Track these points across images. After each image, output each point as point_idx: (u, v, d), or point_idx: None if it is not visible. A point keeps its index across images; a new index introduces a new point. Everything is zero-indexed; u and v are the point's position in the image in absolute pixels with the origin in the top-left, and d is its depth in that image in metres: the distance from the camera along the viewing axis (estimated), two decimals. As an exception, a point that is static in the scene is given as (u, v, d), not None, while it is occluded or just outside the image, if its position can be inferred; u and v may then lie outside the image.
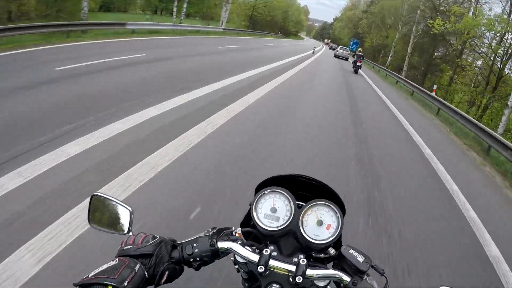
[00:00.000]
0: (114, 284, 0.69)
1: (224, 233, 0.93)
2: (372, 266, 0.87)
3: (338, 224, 0.90)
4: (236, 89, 8.53)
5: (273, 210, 0.91)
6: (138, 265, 0.76)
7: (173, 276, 0.85)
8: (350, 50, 41.70)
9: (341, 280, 0.84)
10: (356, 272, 0.85)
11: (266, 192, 0.93)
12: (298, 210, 0.91)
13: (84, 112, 4.99)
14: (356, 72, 21.08)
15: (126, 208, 0.91)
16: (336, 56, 35.47)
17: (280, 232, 0.89)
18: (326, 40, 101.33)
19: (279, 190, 0.92)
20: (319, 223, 0.89)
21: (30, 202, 2.77)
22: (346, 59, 34.66)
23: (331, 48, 58.26)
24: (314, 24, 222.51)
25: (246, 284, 1.30)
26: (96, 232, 0.97)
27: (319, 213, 0.90)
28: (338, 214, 0.90)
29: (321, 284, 0.87)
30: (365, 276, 0.85)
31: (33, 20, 14.41)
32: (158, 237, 0.86)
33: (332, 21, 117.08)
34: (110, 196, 0.93)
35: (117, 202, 0.92)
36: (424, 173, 5.67)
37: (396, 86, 20.36)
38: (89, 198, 0.94)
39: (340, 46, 42.51)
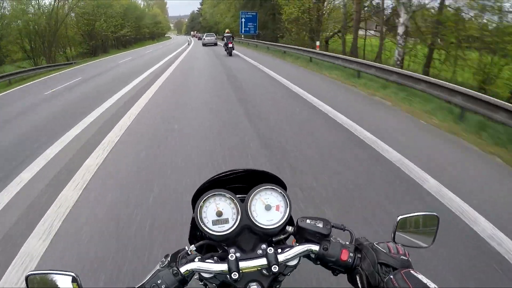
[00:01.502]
0: None
1: (179, 256, 0.89)
2: (333, 226, 0.91)
3: (285, 202, 0.91)
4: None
5: (219, 213, 0.89)
6: None
7: None
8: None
9: (312, 251, 0.86)
10: (321, 238, 0.88)
11: (205, 198, 0.90)
12: (243, 204, 0.90)
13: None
14: (230, 54, 21.09)
15: (68, 275, 0.82)
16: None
17: (234, 232, 0.88)
18: (192, 32, 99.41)
19: (217, 192, 0.91)
20: (268, 208, 0.90)
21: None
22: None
23: (199, 39, 54.03)
24: (183, 19, 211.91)
25: None
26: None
27: (264, 199, 0.91)
28: (282, 192, 0.92)
29: (293, 263, 0.88)
30: (330, 238, 0.89)
31: None
32: None
33: (199, 8, 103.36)
34: (46, 270, 0.83)
35: (56, 273, 0.83)
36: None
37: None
38: (24, 282, 0.83)
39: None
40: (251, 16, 34.22)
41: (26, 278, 0.83)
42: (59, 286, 0.83)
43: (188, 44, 32.46)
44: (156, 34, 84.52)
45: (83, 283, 0.80)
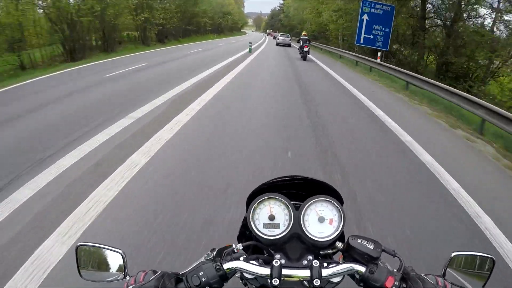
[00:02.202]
0: None
1: (225, 252, 0.89)
2: (383, 250, 0.86)
3: (339, 217, 0.88)
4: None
5: (271, 217, 0.87)
6: None
7: None
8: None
9: (357, 272, 0.83)
10: (369, 260, 0.84)
11: (259, 201, 0.89)
12: (297, 212, 0.88)
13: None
14: (304, 58, 19.41)
15: (117, 251, 0.85)
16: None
17: (283, 238, 0.86)
18: (268, 30, 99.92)
19: (273, 196, 0.89)
20: (321, 220, 0.87)
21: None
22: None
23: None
24: (263, 16, 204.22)
25: None
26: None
27: (318, 210, 0.88)
28: (338, 207, 0.88)
29: (336, 280, 0.85)
30: (379, 262, 0.84)
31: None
32: (160, 271, 0.81)
33: (281, 4, 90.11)
34: (97, 243, 0.86)
35: (105, 248, 0.86)
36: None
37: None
38: (74, 250, 0.87)
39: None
40: (381, 12, 18.02)
41: (76, 248, 0.86)
42: (107, 260, 0.86)
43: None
44: (225, 27, 71.17)
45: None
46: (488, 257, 0.88)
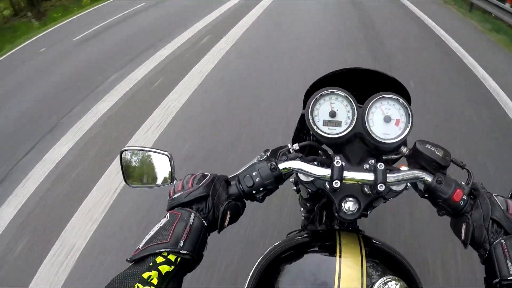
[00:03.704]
0: (169, 249, 0.59)
1: (280, 153, 0.82)
2: (452, 161, 0.76)
3: (407, 117, 0.77)
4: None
5: (332, 114, 0.78)
6: (192, 216, 0.65)
7: (237, 214, 0.75)
8: None
9: (423, 180, 0.74)
10: (437, 168, 0.75)
11: (320, 94, 0.79)
12: (360, 109, 0.78)
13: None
14: None
15: (163, 154, 0.79)
16: None
17: (345, 138, 0.77)
18: None
19: (334, 90, 0.78)
20: (387, 120, 0.77)
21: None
22: None
23: None
24: None
25: (308, 204, 1.23)
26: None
27: (384, 109, 0.77)
28: (407, 106, 0.77)
29: (399, 188, 0.77)
30: (446, 172, 0.75)
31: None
32: (209, 174, 0.74)
33: None
34: (141, 146, 0.82)
35: (150, 151, 0.81)
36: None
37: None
38: (118, 156, 0.82)
39: None
40: None
41: (121, 154, 0.81)
42: (152, 163, 0.81)
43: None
44: None
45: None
46: None
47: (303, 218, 1.42)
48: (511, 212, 0.66)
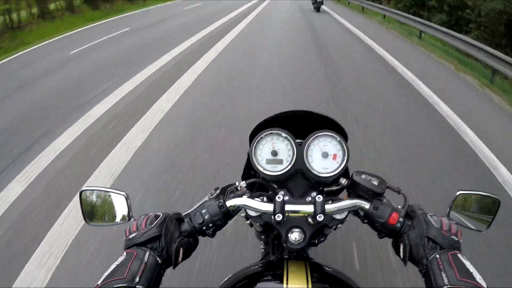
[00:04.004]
0: (126, 285, 0.64)
1: (228, 190, 0.88)
2: (388, 187, 0.85)
3: (343, 152, 0.86)
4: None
5: (274, 153, 0.85)
6: (147, 254, 0.70)
7: (190, 250, 0.80)
8: None
9: (361, 208, 0.82)
10: (373, 196, 0.83)
11: (262, 136, 0.86)
12: (300, 147, 0.86)
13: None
14: (318, 10, 16.60)
15: (120, 194, 0.85)
16: None
17: (286, 174, 0.84)
18: None
19: (275, 131, 0.86)
20: (325, 155, 0.85)
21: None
22: None
23: None
24: None
25: (262, 236, 1.29)
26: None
27: (321, 145, 0.85)
28: (342, 142, 0.86)
29: (341, 217, 0.84)
30: (383, 198, 0.83)
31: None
32: (161, 214, 0.80)
33: None
34: (99, 187, 0.86)
35: (108, 191, 0.86)
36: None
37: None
38: (78, 195, 0.87)
39: None
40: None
41: (80, 193, 0.86)
42: (110, 203, 0.86)
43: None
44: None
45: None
46: (494, 197, 0.86)
47: (262, 250, 1.47)
48: (444, 229, 0.74)
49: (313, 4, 17.31)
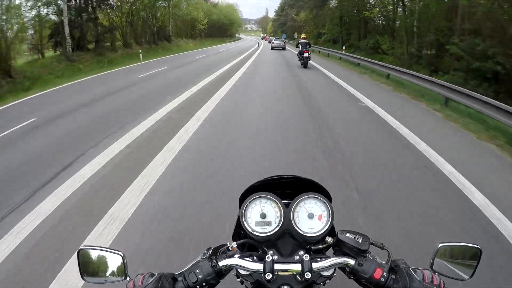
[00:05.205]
0: None
1: (220, 251, 0.93)
2: (371, 243, 0.91)
3: (328, 213, 0.92)
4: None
5: (263, 215, 0.91)
6: None
7: None
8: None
9: (347, 265, 0.87)
10: (358, 253, 0.88)
11: (251, 200, 0.93)
12: (287, 209, 0.92)
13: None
14: (305, 66, 16.03)
15: (117, 253, 0.89)
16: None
17: (275, 235, 0.89)
18: (262, 35, 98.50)
19: (263, 195, 0.93)
20: (310, 216, 0.91)
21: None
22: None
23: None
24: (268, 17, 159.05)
25: None
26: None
27: (307, 207, 0.92)
28: (326, 203, 0.92)
29: (328, 273, 0.89)
30: (368, 254, 0.89)
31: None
32: (157, 273, 0.85)
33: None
34: (97, 246, 0.90)
35: (106, 250, 0.90)
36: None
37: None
38: (76, 254, 0.91)
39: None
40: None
41: (78, 252, 0.90)
42: (107, 262, 0.89)
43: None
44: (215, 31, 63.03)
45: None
46: (475, 247, 0.89)
47: None
48: (426, 280, 0.79)
49: (300, 60, 16.61)
